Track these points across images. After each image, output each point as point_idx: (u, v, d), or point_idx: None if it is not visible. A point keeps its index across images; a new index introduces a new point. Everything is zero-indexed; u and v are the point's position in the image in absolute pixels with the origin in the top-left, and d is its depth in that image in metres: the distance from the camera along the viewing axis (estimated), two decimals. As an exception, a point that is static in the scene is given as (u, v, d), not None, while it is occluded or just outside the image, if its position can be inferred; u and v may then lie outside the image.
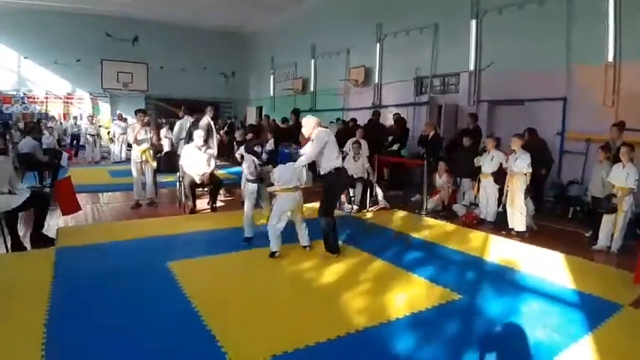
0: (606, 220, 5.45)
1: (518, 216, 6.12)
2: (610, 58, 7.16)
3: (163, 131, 11.51)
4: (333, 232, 4.93)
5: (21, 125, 13.44)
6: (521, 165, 6.08)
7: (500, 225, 6.47)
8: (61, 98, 17.39)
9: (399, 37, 11.23)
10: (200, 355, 2.91)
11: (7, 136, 11.96)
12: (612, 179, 5.39)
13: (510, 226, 6.23)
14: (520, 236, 6.06)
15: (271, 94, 17.73)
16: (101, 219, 6.72)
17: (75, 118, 16.22)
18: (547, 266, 4.86)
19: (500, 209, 6.57)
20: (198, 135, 7.12)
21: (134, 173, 7.28)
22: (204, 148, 7.12)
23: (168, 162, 8.49)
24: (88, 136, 14.98)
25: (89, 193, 8.54)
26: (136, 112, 7.53)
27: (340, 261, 4.78)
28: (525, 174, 6.04)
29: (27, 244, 5.14)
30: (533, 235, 6.24)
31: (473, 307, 3.77)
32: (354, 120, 10.62)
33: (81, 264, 4.56)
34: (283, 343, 3.00)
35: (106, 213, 7.11)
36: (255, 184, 5.38)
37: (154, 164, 7.45)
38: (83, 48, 16.74)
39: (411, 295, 3.95)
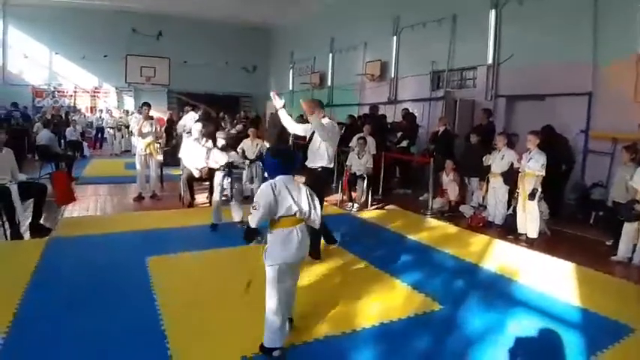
0: (628, 228, 4.96)
1: (530, 221, 5.67)
2: (642, 50, 6.51)
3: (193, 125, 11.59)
4: (317, 236, 4.58)
5: (45, 118, 13.82)
6: (534, 166, 5.61)
7: (508, 229, 6.05)
8: (88, 92, 17.94)
9: (416, 30, 10.80)
10: (144, 356, 2.80)
11: (32, 129, 12.45)
12: (636, 183, 4.87)
13: (521, 231, 5.79)
14: (529, 242, 5.62)
15: (290, 88, 17.59)
16: (106, 211, 6.77)
17: (100, 111, 16.64)
18: (552, 278, 4.40)
19: (510, 212, 6.16)
20: (196, 128, 7.03)
21: (138, 166, 7.31)
22: (202, 141, 7.02)
23: (174, 155, 8.51)
24: (110, 129, 15.38)
25: (99, 184, 8.68)
26: (141, 105, 7.54)
27: (322, 263, 4.53)
28: (537, 176, 5.58)
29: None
30: (546, 241, 5.79)
31: (451, 320, 3.43)
32: (367, 114, 10.27)
33: (65, 256, 4.60)
34: (233, 350, 2.85)
35: (110, 205, 7.15)
36: (223, 176, 5.45)
37: (159, 157, 7.45)
38: (110, 43, 17.14)
39: (386, 302, 3.67)
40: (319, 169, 4.56)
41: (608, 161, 6.98)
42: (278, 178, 2.86)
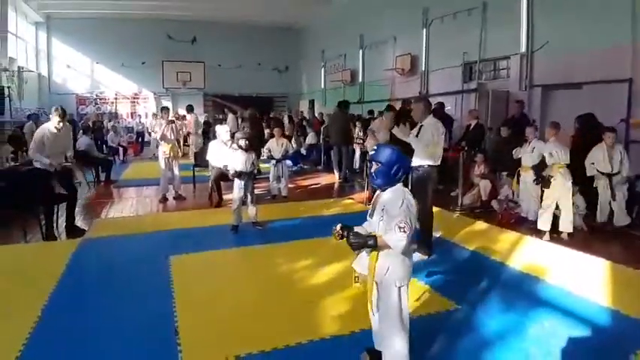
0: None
1: (563, 216, 5.40)
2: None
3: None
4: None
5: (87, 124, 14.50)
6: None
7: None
8: (128, 98, 18.77)
9: (445, 22, 10.54)
10: (154, 352, 2.87)
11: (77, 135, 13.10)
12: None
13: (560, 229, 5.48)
14: (563, 238, 5.35)
15: (322, 86, 17.62)
16: (138, 212, 7.01)
17: (139, 116, 17.30)
18: (584, 277, 4.08)
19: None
20: (224, 130, 7.16)
21: (162, 168, 7.51)
22: (229, 143, 7.13)
23: (203, 157, 8.69)
24: (152, 133, 15.90)
25: (136, 187, 9.02)
26: (161, 109, 7.75)
27: (340, 261, 4.47)
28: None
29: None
30: (583, 238, 5.46)
31: (465, 321, 3.27)
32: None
33: (93, 256, 4.83)
34: (243, 347, 2.87)
35: (142, 206, 7.39)
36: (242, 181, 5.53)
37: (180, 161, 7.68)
38: (147, 51, 17.85)
39: (400, 301, 3.57)
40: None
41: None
42: (404, 188, 2.44)
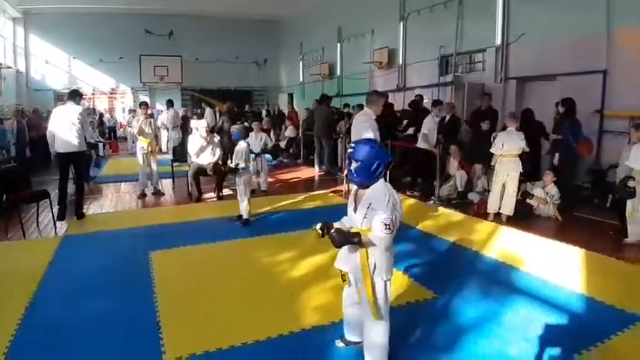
0: (629, 207, 4.79)
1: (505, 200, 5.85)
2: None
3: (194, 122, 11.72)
4: None
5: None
6: None
7: (516, 215, 5.87)
8: (106, 94, 18.45)
9: (422, 15, 10.61)
10: (137, 347, 2.89)
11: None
12: (630, 161, 4.70)
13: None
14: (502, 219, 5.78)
15: (301, 79, 17.59)
16: (118, 208, 6.97)
17: (110, 111, 17.08)
18: (558, 265, 4.21)
19: (519, 197, 6.00)
20: (202, 125, 7.11)
21: (140, 163, 7.44)
22: (208, 138, 7.10)
23: (183, 152, 8.63)
24: (129, 128, 15.70)
25: (115, 183, 8.90)
26: (140, 104, 7.67)
27: (320, 253, 4.52)
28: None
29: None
30: (557, 226, 5.66)
31: (443, 310, 3.37)
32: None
33: (75, 253, 4.82)
34: (225, 339, 2.91)
35: (122, 202, 7.32)
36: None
37: (158, 156, 7.61)
38: (125, 45, 17.54)
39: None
40: None
41: (625, 142, 6.68)
42: (386, 183, 2.44)
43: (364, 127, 4.83)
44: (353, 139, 4.82)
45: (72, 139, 5.77)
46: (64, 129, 5.74)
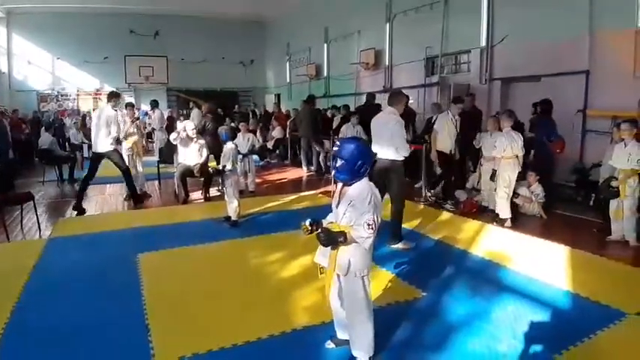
0: (613, 207, 4.89)
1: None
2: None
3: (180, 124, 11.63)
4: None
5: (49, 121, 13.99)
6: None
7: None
8: (90, 94, 18.17)
9: (408, 16, 10.69)
10: (126, 350, 2.86)
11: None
12: (613, 161, 4.81)
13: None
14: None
15: (287, 80, 17.58)
16: (103, 210, 6.90)
17: (88, 112, 16.84)
18: (544, 263, 4.28)
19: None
20: (190, 127, 7.07)
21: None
22: (195, 139, 7.06)
23: (169, 153, 8.59)
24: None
25: (101, 185, 8.69)
26: (126, 105, 7.58)
27: (309, 253, 4.52)
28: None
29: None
30: (542, 225, 5.74)
31: (432, 308, 3.40)
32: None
33: (61, 255, 4.75)
34: (215, 341, 2.90)
35: (109, 204, 7.26)
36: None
37: (144, 158, 7.56)
38: (109, 45, 17.29)
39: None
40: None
41: (608, 141, 6.81)
42: (369, 182, 2.50)
43: (399, 126, 4.79)
44: (386, 138, 4.73)
45: (98, 140, 6.42)
46: (93, 129, 6.53)
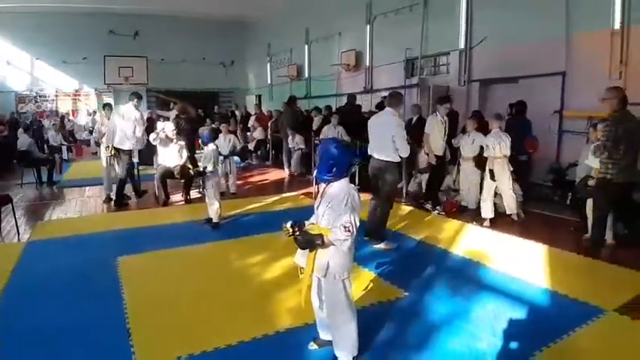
0: (590, 206, 5.00)
1: (505, 202, 5.94)
2: (617, 24, 6.37)
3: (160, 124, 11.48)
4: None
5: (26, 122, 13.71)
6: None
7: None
8: (69, 95, 17.86)
9: (388, 18, 10.77)
10: (106, 354, 2.84)
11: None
12: (589, 161, 4.93)
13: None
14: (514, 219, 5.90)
15: (269, 81, 17.51)
16: (83, 213, 6.78)
17: (67, 114, 16.57)
18: (523, 261, 4.38)
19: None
20: (169, 128, 7.00)
21: (104, 167, 7.27)
22: (175, 139, 6.99)
23: (149, 154, 8.48)
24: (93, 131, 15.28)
25: (80, 187, 8.65)
26: (104, 106, 7.47)
27: (291, 255, 4.52)
28: None
29: None
30: (520, 224, 5.86)
31: (414, 307, 3.44)
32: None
33: (40, 258, 4.69)
34: (198, 345, 2.89)
35: (88, 207, 7.12)
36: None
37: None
38: (88, 46, 16.96)
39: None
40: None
41: (584, 141, 6.95)
42: (349, 183, 2.52)
43: (401, 128, 4.80)
44: (385, 138, 4.74)
45: (125, 139, 6.76)
46: (118, 128, 6.83)
